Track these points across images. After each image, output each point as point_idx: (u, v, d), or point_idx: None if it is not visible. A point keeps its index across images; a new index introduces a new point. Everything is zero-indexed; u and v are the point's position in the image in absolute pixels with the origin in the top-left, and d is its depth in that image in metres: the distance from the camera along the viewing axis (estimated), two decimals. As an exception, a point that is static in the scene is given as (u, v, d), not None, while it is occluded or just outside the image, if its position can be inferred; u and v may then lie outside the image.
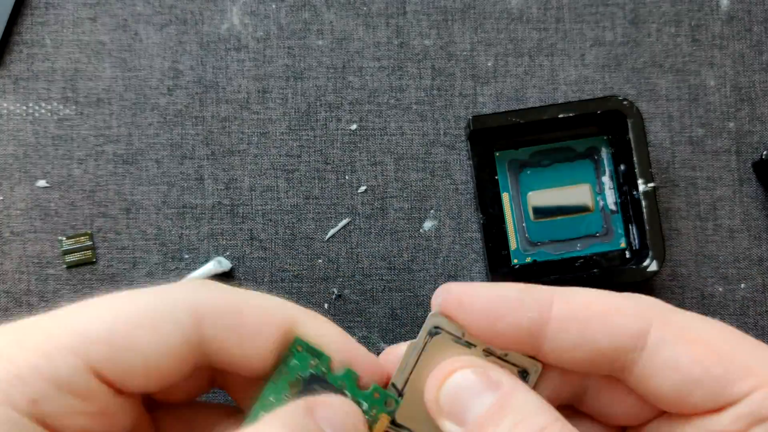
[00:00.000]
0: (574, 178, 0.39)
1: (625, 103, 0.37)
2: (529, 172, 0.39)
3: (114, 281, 0.39)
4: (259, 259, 0.39)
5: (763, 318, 0.39)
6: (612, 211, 0.39)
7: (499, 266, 0.38)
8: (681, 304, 0.39)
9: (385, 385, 0.24)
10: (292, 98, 0.40)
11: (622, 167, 0.38)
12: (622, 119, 0.37)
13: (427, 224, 0.39)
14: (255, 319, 0.22)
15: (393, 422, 0.23)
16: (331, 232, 0.39)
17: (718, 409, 0.21)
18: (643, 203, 0.36)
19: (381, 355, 0.25)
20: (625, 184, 0.38)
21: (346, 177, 0.40)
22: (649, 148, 0.37)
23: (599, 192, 0.39)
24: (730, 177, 0.39)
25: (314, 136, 0.40)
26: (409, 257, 0.39)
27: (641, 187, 0.36)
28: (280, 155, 0.40)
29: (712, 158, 0.40)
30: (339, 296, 0.39)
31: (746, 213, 0.39)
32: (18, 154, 0.39)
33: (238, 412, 0.24)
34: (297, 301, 0.39)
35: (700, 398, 0.21)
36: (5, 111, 0.40)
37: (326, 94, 0.40)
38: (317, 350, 0.23)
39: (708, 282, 0.39)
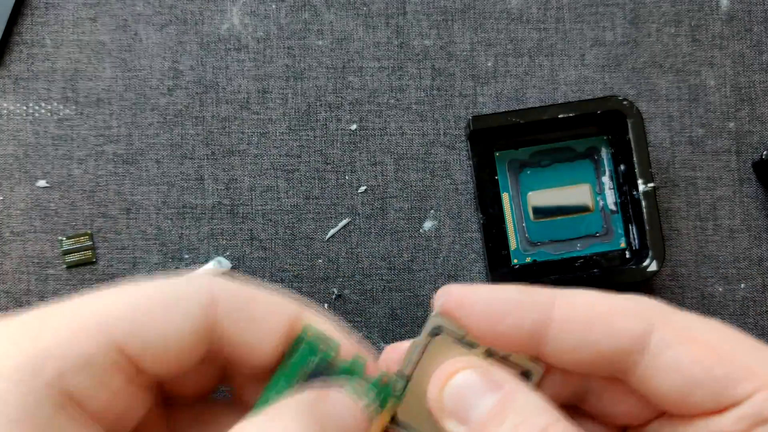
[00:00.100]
0: (574, 178, 0.39)
1: (625, 103, 0.37)
2: (529, 172, 0.39)
3: (114, 281, 0.39)
4: (259, 259, 0.39)
5: (763, 318, 0.39)
6: (612, 211, 0.39)
7: (499, 266, 0.38)
8: (681, 304, 0.39)
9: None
10: (292, 98, 0.40)
11: (622, 167, 0.38)
12: (622, 119, 0.37)
13: (427, 224, 0.39)
14: (266, 307, 0.22)
15: (394, 421, 0.23)
16: (331, 232, 0.39)
17: (720, 410, 0.21)
18: (643, 203, 0.36)
19: (382, 353, 0.25)
20: (625, 184, 0.38)
21: (346, 177, 0.40)
22: (649, 148, 0.37)
23: (599, 192, 0.39)
24: (730, 177, 0.39)
25: (314, 136, 0.40)
26: (409, 257, 0.39)
27: (641, 187, 0.36)
28: (280, 155, 0.40)
29: (712, 158, 0.40)
30: (339, 296, 0.39)
31: (746, 213, 0.39)
32: (18, 154, 0.39)
33: (246, 408, 0.24)
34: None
35: (701, 399, 0.21)
36: (5, 111, 0.40)
37: (326, 94, 0.40)
38: (326, 337, 0.23)
39: (708, 282, 0.39)
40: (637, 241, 0.38)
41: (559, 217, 0.38)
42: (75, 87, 0.40)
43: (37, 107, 0.40)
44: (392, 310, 0.39)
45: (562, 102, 0.39)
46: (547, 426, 0.20)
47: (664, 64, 0.40)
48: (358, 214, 0.39)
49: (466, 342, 0.23)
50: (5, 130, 0.39)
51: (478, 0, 0.40)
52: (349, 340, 0.24)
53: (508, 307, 0.22)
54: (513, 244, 0.38)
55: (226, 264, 0.39)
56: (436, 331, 0.23)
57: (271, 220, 0.39)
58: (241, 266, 0.39)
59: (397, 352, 0.24)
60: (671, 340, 0.21)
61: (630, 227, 0.38)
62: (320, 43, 0.40)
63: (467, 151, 0.39)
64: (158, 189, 0.39)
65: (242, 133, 0.40)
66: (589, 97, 0.40)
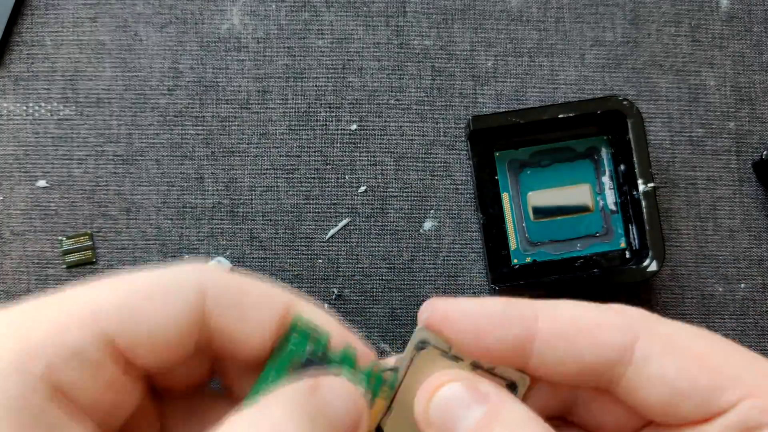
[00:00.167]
0: (574, 178, 0.39)
1: (625, 103, 0.37)
2: (529, 172, 0.39)
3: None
4: (259, 259, 0.39)
5: (763, 318, 0.39)
6: (612, 211, 0.39)
7: (499, 266, 0.38)
8: (681, 304, 0.39)
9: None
10: (292, 98, 0.40)
11: (622, 167, 0.38)
12: (622, 119, 0.37)
13: (427, 224, 0.39)
14: (257, 297, 0.22)
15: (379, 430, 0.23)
16: (331, 232, 0.39)
17: (706, 420, 0.21)
18: (643, 203, 0.36)
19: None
20: (625, 184, 0.38)
21: (346, 177, 0.40)
22: (649, 148, 0.37)
23: (599, 192, 0.39)
24: (730, 177, 0.39)
25: (314, 136, 0.40)
26: (409, 257, 0.39)
27: (641, 187, 0.36)
28: (280, 155, 0.40)
29: (712, 158, 0.40)
30: (339, 296, 0.39)
31: (746, 213, 0.39)
32: (18, 154, 0.39)
33: (238, 400, 0.24)
34: (297, 301, 0.39)
35: (688, 409, 0.21)
36: (5, 111, 0.40)
37: (326, 94, 0.40)
38: (317, 328, 0.23)
39: (708, 282, 0.39)
40: (637, 241, 0.38)
41: (559, 217, 0.38)
42: (75, 87, 0.40)
43: (37, 107, 0.40)
44: (392, 310, 0.39)
45: (562, 102, 0.39)
46: None
47: (664, 64, 0.40)
48: (358, 214, 0.39)
49: (452, 355, 0.23)
50: (5, 130, 0.39)
51: (478, 0, 0.40)
52: (340, 329, 0.24)
53: (492, 320, 0.22)
54: (513, 244, 0.38)
55: (226, 264, 0.39)
56: (421, 345, 0.23)
57: (271, 220, 0.39)
58: (241, 266, 0.39)
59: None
60: (656, 351, 0.21)
61: (630, 227, 0.38)
62: (320, 43, 0.40)
63: (467, 151, 0.39)
64: (158, 189, 0.39)
65: (242, 133, 0.40)
66: (589, 97, 0.40)
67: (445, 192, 0.39)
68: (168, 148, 0.40)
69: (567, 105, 0.37)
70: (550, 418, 0.22)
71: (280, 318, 0.22)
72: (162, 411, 0.24)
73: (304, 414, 0.20)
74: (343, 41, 0.40)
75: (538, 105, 0.39)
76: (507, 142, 0.38)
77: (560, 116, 0.37)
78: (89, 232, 0.39)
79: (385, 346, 0.39)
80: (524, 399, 0.23)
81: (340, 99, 0.40)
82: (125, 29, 0.40)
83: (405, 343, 0.39)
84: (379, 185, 0.39)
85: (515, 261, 0.38)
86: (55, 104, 0.40)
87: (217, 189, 0.39)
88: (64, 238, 0.39)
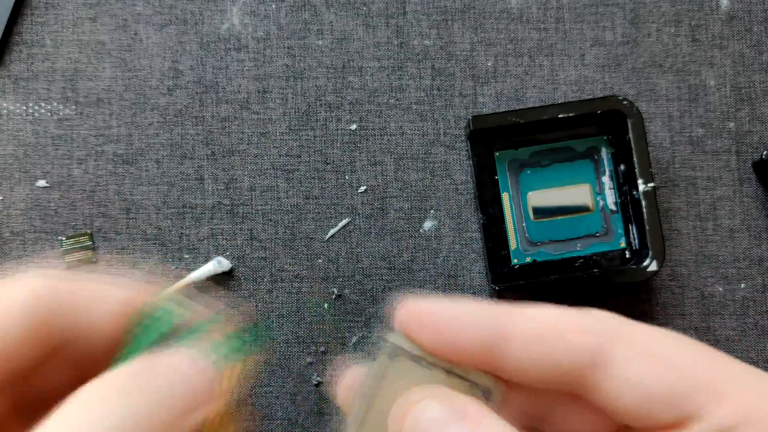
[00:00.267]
0: (574, 178, 0.39)
1: (625, 103, 0.37)
2: (529, 172, 0.39)
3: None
4: (259, 259, 0.39)
5: (763, 318, 0.39)
6: (612, 211, 0.39)
7: (499, 266, 0.38)
8: (681, 304, 0.39)
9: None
10: (292, 98, 0.40)
11: (622, 167, 0.38)
12: (622, 119, 0.37)
13: (427, 224, 0.39)
14: (95, 293, 0.22)
15: None
16: (331, 232, 0.39)
17: (681, 425, 0.21)
18: (643, 203, 0.36)
19: (339, 379, 0.24)
20: (625, 184, 0.38)
21: (346, 177, 0.40)
22: (649, 148, 0.37)
23: (599, 192, 0.39)
24: (730, 177, 0.39)
25: (314, 136, 0.40)
26: (409, 257, 0.39)
27: (641, 187, 0.36)
28: (280, 155, 0.40)
29: (712, 158, 0.40)
30: (339, 296, 0.39)
31: (746, 213, 0.39)
32: (18, 154, 0.39)
33: None
34: (297, 302, 0.39)
35: (662, 414, 0.21)
36: (5, 111, 0.40)
37: (326, 94, 0.40)
38: (170, 310, 0.23)
39: (708, 282, 0.39)
40: (637, 241, 0.38)
41: (559, 217, 0.38)
42: (75, 87, 0.40)
43: (36, 107, 0.40)
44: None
45: (562, 102, 0.39)
46: None
47: (664, 64, 0.40)
48: (358, 214, 0.39)
49: (426, 363, 0.22)
50: (5, 130, 0.39)
51: (478, 0, 0.40)
52: (195, 308, 0.23)
53: (467, 320, 0.22)
54: (513, 244, 0.38)
55: (226, 264, 0.39)
56: (393, 353, 0.23)
57: (271, 220, 0.39)
58: (241, 266, 0.39)
59: (353, 378, 0.24)
60: (630, 355, 0.21)
61: (630, 227, 0.38)
62: (320, 43, 0.40)
63: (467, 151, 0.39)
64: (158, 189, 0.39)
65: (242, 133, 0.40)
66: (589, 97, 0.40)
67: (445, 192, 0.39)
68: (168, 148, 0.40)
69: (567, 105, 0.37)
70: (525, 428, 0.22)
71: (125, 307, 0.22)
72: (32, 421, 0.24)
73: (136, 394, 0.19)
74: (343, 41, 0.40)
75: (538, 105, 0.39)
76: (507, 142, 0.38)
77: (560, 116, 0.37)
78: (89, 232, 0.39)
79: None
80: (499, 408, 0.22)
81: (340, 99, 0.40)
82: (125, 29, 0.40)
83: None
84: (379, 185, 0.39)
85: (515, 261, 0.38)
86: (55, 104, 0.40)
87: (217, 189, 0.39)
88: (64, 238, 0.39)
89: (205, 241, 0.39)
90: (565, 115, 0.37)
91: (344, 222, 0.39)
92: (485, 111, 0.40)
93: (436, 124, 0.40)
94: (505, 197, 0.38)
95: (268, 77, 0.40)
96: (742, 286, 0.39)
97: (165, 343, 0.22)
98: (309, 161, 0.40)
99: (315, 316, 0.39)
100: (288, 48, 0.40)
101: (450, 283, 0.39)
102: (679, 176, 0.40)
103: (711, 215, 0.39)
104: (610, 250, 0.38)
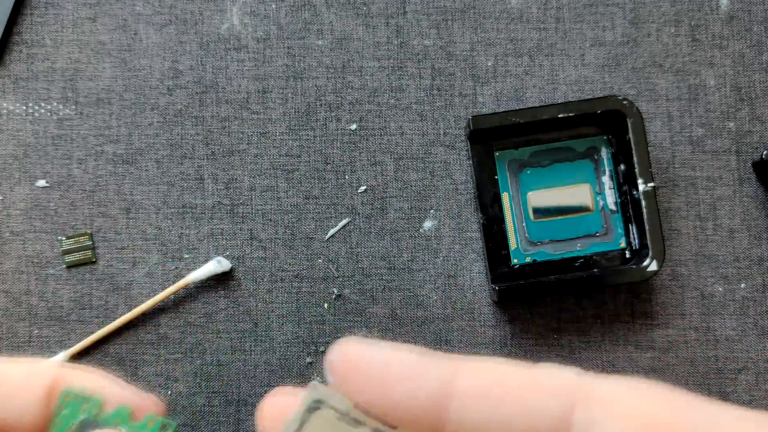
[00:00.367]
0: (574, 178, 0.39)
1: (625, 103, 0.37)
2: (529, 172, 0.39)
3: (114, 281, 0.39)
4: (259, 259, 0.39)
5: (763, 318, 0.39)
6: (612, 211, 0.39)
7: (499, 266, 0.38)
8: (681, 304, 0.39)
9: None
10: (292, 98, 0.40)
11: (622, 167, 0.38)
12: (622, 119, 0.37)
13: (427, 224, 0.39)
14: (16, 380, 0.22)
15: None
16: (331, 232, 0.39)
17: None
18: (643, 203, 0.36)
19: (257, 411, 0.22)
20: (625, 184, 0.38)
21: (346, 177, 0.40)
22: (649, 148, 0.37)
23: (599, 192, 0.39)
24: (730, 177, 0.39)
25: (314, 136, 0.40)
26: (409, 257, 0.39)
27: (641, 187, 0.36)
28: (280, 155, 0.40)
29: (712, 158, 0.40)
30: (339, 296, 0.39)
31: (746, 213, 0.39)
32: (18, 154, 0.39)
33: None
34: (297, 301, 0.39)
35: None
36: (5, 111, 0.40)
37: (326, 94, 0.40)
38: (86, 396, 0.23)
39: (708, 282, 0.39)
40: (637, 241, 0.38)
41: (559, 217, 0.38)
42: (75, 87, 0.40)
43: (36, 107, 0.40)
44: (392, 310, 0.39)
45: (562, 102, 0.39)
46: None
47: (664, 64, 0.40)
48: (358, 214, 0.39)
49: (352, 418, 0.20)
50: (5, 130, 0.39)
51: (478, 0, 0.40)
52: (116, 389, 0.23)
53: (406, 370, 0.19)
54: (513, 244, 0.38)
55: (226, 264, 0.39)
56: (315, 405, 0.20)
57: (271, 220, 0.39)
58: (241, 266, 0.39)
59: (271, 412, 0.21)
60: (598, 417, 0.18)
61: (630, 227, 0.38)
62: (320, 43, 0.40)
63: (467, 151, 0.39)
64: (158, 189, 0.39)
65: (242, 133, 0.40)
66: (589, 96, 0.40)
67: (445, 192, 0.39)
68: (168, 148, 0.40)
69: (567, 105, 0.37)
70: None
71: (47, 394, 0.22)
72: None
73: None
74: (343, 41, 0.40)
75: (538, 105, 0.39)
76: (507, 142, 0.38)
77: (560, 116, 0.37)
78: (89, 232, 0.39)
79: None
80: None
81: (340, 99, 0.40)
82: (125, 29, 0.40)
83: (405, 343, 0.39)
84: (378, 185, 0.39)
85: (515, 261, 0.38)
86: (55, 104, 0.40)
87: (217, 189, 0.39)
88: (64, 238, 0.39)
89: (205, 241, 0.39)
90: (565, 115, 0.37)
91: (344, 222, 0.39)
92: (485, 111, 0.40)
93: (436, 124, 0.40)
94: (505, 197, 0.38)
95: (268, 77, 0.40)
96: (742, 286, 0.39)
97: (90, 428, 0.23)
98: (309, 161, 0.40)
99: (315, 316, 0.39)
100: (288, 48, 0.40)
101: (450, 283, 0.39)
102: (679, 176, 0.40)
103: (711, 215, 0.39)
104: (610, 250, 0.38)
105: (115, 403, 0.23)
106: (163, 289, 0.39)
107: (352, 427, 0.19)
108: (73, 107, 0.40)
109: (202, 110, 0.40)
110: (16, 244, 0.39)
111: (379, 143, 0.40)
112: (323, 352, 0.39)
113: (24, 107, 0.40)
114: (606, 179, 0.39)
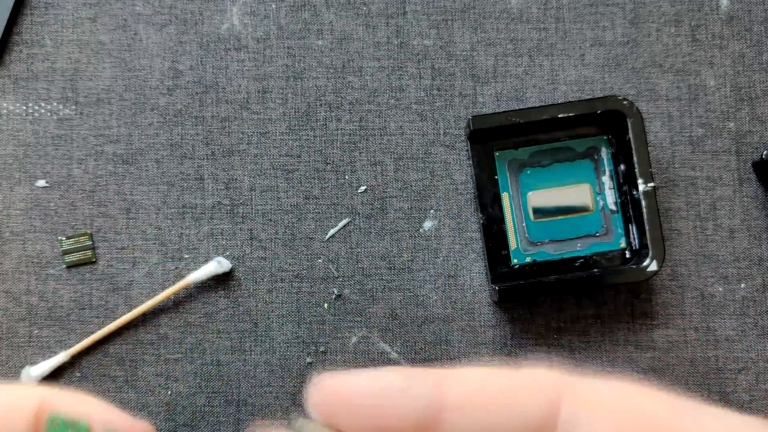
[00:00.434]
0: (574, 178, 0.39)
1: (625, 103, 0.37)
2: (529, 172, 0.39)
3: (114, 281, 0.39)
4: (259, 259, 0.39)
5: (763, 318, 0.39)
6: (612, 211, 0.39)
7: (499, 266, 0.38)
8: (681, 304, 0.39)
9: None
10: (292, 98, 0.40)
11: (622, 167, 0.38)
12: (622, 119, 0.37)
13: (427, 224, 0.39)
14: (1, 406, 0.22)
15: None
16: (331, 232, 0.39)
17: None
18: (643, 203, 0.36)
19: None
20: (625, 184, 0.38)
21: (346, 177, 0.40)
22: (649, 148, 0.37)
23: (599, 192, 0.39)
24: (730, 177, 0.39)
25: (314, 136, 0.40)
26: (409, 257, 0.39)
27: (641, 187, 0.36)
28: (280, 155, 0.40)
29: (712, 158, 0.40)
30: (339, 296, 0.39)
31: (746, 213, 0.39)
32: (18, 154, 0.39)
33: None
34: (297, 301, 0.39)
35: None
36: (5, 111, 0.40)
37: (326, 94, 0.40)
38: (73, 421, 0.23)
39: (708, 282, 0.39)
40: (637, 241, 0.38)
41: (559, 217, 0.38)
42: (75, 87, 0.40)
43: (36, 107, 0.40)
44: (392, 310, 0.39)
45: (562, 102, 0.39)
46: None
47: (664, 64, 0.40)
48: (358, 214, 0.39)
49: None
50: (5, 130, 0.39)
51: (478, 0, 0.40)
52: (102, 414, 0.23)
53: (393, 394, 0.19)
54: (513, 244, 0.38)
55: (226, 264, 0.39)
56: None
57: (271, 220, 0.39)
58: (241, 266, 0.39)
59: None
60: (583, 416, 0.18)
61: (630, 227, 0.38)
62: (320, 43, 0.40)
63: (467, 151, 0.39)
64: (158, 189, 0.39)
65: (242, 133, 0.40)
66: (589, 97, 0.40)
67: (445, 192, 0.39)
68: (168, 148, 0.40)
69: (567, 105, 0.37)
70: None
71: (33, 417, 0.22)
72: None
73: None
74: (343, 41, 0.40)
75: (538, 105, 0.39)
76: (507, 142, 0.38)
77: (560, 116, 0.37)
78: (89, 232, 0.39)
79: (385, 347, 0.39)
80: None
81: (339, 99, 0.40)
82: (125, 29, 0.40)
83: (405, 343, 0.39)
84: (378, 185, 0.40)
85: (515, 261, 0.38)
86: (55, 104, 0.40)
87: (217, 189, 0.39)
88: (64, 238, 0.39)
89: (205, 242, 0.39)
90: (565, 115, 0.37)
91: (344, 222, 0.39)
92: (485, 111, 0.40)
93: (436, 124, 0.40)
94: (505, 197, 0.38)
95: (268, 77, 0.40)
96: (742, 286, 0.39)
97: None
98: (309, 161, 0.40)
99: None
100: (288, 48, 0.40)
101: (450, 283, 0.39)
102: (679, 176, 0.40)
103: (711, 215, 0.39)
104: (610, 250, 0.38)
105: (101, 428, 0.23)
106: (163, 289, 0.39)
107: None
108: (73, 107, 0.40)
109: (202, 110, 0.40)
110: (16, 244, 0.39)
111: (379, 143, 0.40)
112: (323, 352, 0.39)
113: (24, 107, 0.40)
114: (606, 179, 0.39)
